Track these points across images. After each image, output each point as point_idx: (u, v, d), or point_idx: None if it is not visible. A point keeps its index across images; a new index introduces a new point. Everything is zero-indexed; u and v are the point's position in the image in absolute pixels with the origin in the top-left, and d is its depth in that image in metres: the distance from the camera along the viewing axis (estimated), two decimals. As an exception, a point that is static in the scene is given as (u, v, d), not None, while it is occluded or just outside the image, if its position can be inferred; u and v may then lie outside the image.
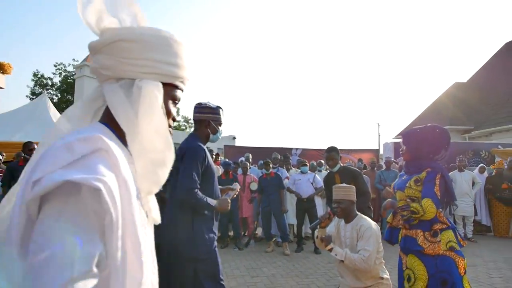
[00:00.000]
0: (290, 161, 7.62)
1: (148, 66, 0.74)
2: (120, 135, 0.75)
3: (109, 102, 0.74)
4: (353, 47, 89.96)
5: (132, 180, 0.69)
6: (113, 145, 0.67)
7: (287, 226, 6.06)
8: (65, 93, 34.46)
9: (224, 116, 2.40)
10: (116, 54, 0.73)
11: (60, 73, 34.60)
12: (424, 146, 2.22)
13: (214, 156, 6.67)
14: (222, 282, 2.21)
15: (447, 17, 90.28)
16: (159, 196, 1.00)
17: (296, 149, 10.47)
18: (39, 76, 34.07)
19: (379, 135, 29.89)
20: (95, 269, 0.58)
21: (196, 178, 2.11)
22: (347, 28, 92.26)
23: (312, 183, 6.01)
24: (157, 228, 0.87)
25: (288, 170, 7.07)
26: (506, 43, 23.29)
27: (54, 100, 32.72)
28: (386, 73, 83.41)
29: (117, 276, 0.62)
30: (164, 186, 0.84)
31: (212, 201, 2.16)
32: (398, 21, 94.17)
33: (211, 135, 2.33)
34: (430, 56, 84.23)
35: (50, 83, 34.71)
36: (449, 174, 6.93)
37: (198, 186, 2.12)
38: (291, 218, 6.42)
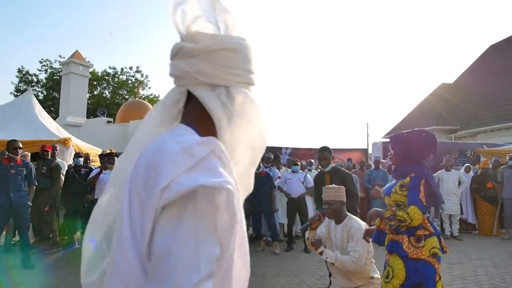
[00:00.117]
0: (281, 160, 7.62)
1: (241, 75, 0.77)
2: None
3: (209, 107, 0.74)
4: (343, 48, 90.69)
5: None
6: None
7: (277, 225, 6.06)
8: (51, 90, 33.75)
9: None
10: (217, 62, 0.75)
11: (46, 70, 33.87)
12: (411, 150, 2.24)
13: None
14: None
15: (435, 19, 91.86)
16: None
17: (286, 148, 10.48)
18: (24, 72, 33.22)
19: (367, 135, 30.21)
20: (215, 272, 0.60)
21: None
22: (337, 29, 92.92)
23: (303, 183, 6.02)
24: None
25: (278, 169, 7.07)
26: (491, 45, 23.84)
27: (40, 97, 31.99)
28: (375, 73, 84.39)
29: (228, 277, 0.63)
30: None
31: None
32: (388, 23, 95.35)
33: None
34: (418, 57, 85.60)
35: (35, 79, 33.91)
36: (436, 173, 7.12)
37: None
38: (281, 217, 6.42)
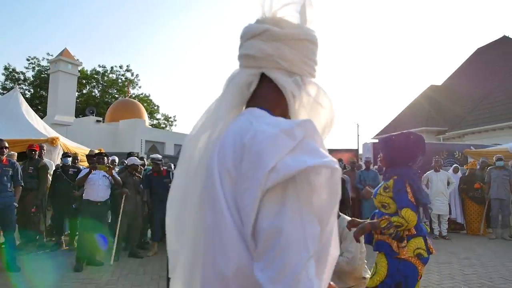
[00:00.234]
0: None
1: (312, 66, 0.80)
2: None
3: (289, 93, 0.76)
4: (334, 49, 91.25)
5: None
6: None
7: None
8: (38, 88, 33.11)
9: None
10: (299, 51, 0.77)
11: (33, 68, 33.23)
12: (400, 153, 2.25)
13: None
14: None
15: (425, 23, 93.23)
16: None
17: (278, 148, 10.48)
18: (10, 70, 32.52)
19: (358, 135, 30.51)
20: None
21: None
22: (329, 30, 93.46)
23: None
24: None
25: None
26: (478, 48, 24.31)
27: (27, 96, 31.36)
28: (365, 75, 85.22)
29: (324, 254, 0.65)
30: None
31: None
32: (379, 25, 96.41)
33: None
34: (408, 59, 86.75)
35: (22, 77, 33.24)
36: (425, 174, 7.20)
37: None
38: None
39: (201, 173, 0.77)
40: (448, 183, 7.17)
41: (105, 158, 5.11)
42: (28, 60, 32.87)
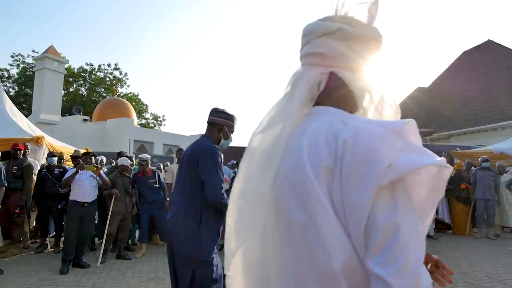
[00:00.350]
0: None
1: (365, 64, 0.81)
2: None
3: (361, 92, 0.78)
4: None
5: None
6: None
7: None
8: (23, 86, 32.36)
9: (236, 126, 2.44)
10: (368, 50, 0.79)
11: (18, 65, 32.47)
12: None
13: (184, 155, 6.50)
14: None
15: (412, 26, 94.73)
16: None
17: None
18: (-7, 67, 31.68)
19: (347, 136, 30.71)
20: None
21: (222, 178, 2.20)
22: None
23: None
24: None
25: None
26: (463, 52, 24.83)
27: (11, 94, 30.59)
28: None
29: None
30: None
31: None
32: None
33: (222, 140, 2.36)
34: (395, 61, 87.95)
35: (6, 75, 32.41)
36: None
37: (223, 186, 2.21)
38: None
39: (270, 167, 0.75)
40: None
41: (93, 158, 5.01)
42: (12, 57, 32.18)
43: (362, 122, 0.67)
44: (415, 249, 0.59)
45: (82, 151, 6.34)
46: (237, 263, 0.83)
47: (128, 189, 5.32)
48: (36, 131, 7.04)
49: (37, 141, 6.35)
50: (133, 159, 6.72)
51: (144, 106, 40.50)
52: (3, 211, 4.93)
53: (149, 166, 5.85)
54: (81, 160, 5.23)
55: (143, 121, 39.68)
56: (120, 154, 6.05)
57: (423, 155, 0.63)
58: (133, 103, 34.26)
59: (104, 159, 7.07)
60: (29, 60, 31.76)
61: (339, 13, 0.80)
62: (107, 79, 37.68)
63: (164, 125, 41.95)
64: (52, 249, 5.53)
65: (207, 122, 2.40)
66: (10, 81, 32.57)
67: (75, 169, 4.73)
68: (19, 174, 5.24)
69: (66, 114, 28.33)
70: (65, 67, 28.60)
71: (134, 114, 27.51)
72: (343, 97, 0.80)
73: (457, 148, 10.56)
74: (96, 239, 5.85)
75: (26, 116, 12.58)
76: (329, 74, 0.79)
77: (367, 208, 0.60)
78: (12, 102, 7.49)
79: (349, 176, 0.63)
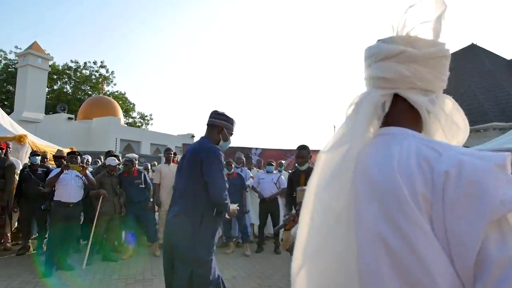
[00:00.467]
0: (252, 161, 7.58)
1: (445, 81, 0.81)
2: None
3: (427, 113, 0.78)
4: (312, 52, 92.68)
5: None
6: None
7: (248, 227, 6.00)
8: (4, 83, 31.43)
9: (235, 129, 2.53)
10: (436, 69, 0.78)
11: (0, 61, 31.52)
12: None
13: (172, 155, 6.41)
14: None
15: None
16: None
17: (256, 148, 10.46)
18: (-27, 63, 30.67)
19: (334, 137, 31.05)
20: None
21: (225, 179, 2.27)
22: (304, 32, 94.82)
23: (275, 183, 6.01)
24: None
25: (250, 169, 7.02)
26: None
27: (-8, 90, 29.69)
28: (342, 77, 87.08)
29: None
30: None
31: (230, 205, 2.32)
32: (355, 29, 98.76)
33: (221, 142, 2.42)
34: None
35: (-14, 71, 31.43)
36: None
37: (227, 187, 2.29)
38: (252, 218, 6.37)
39: (340, 186, 0.74)
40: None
41: (78, 157, 4.88)
42: (-7, 53, 31.13)
43: (460, 154, 0.67)
44: None
45: (67, 150, 6.18)
46: (301, 284, 0.80)
47: (116, 189, 5.21)
48: (18, 130, 6.84)
49: (20, 139, 6.16)
50: (120, 158, 6.59)
51: (131, 105, 39.94)
52: (-17, 212, 4.76)
53: (136, 166, 5.75)
54: (64, 160, 5.11)
55: (130, 120, 39.12)
56: (109, 154, 5.90)
57: None
58: (120, 102, 33.75)
59: (90, 159, 6.92)
60: (12, 57, 30.93)
61: (400, 33, 0.79)
62: (93, 77, 37.00)
63: (152, 124, 41.51)
64: (35, 251, 5.37)
65: (207, 124, 2.45)
66: (-9, 77, 31.63)
67: (60, 168, 4.61)
68: (0, 174, 5.07)
69: (50, 112, 27.65)
70: (49, 64, 27.91)
71: (120, 113, 27.10)
72: (411, 118, 0.80)
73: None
74: (81, 240, 5.72)
75: (8, 114, 12.22)
76: (393, 95, 0.79)
77: (478, 241, 0.61)
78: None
79: (454, 208, 0.63)
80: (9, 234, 5.58)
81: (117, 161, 5.34)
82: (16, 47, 30.52)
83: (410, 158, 0.69)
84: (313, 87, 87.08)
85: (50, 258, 4.37)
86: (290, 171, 8.12)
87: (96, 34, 67.33)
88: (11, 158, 5.52)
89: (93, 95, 32.98)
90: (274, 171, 6.35)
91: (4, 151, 5.26)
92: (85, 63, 36.17)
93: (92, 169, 6.12)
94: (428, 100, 0.78)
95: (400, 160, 0.70)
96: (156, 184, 6.07)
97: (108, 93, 36.41)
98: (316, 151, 9.88)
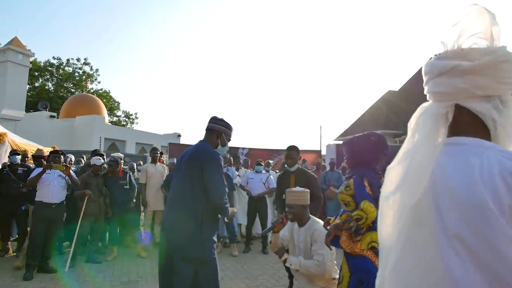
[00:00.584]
0: (240, 160, 7.55)
1: (511, 83, 0.80)
2: None
3: (489, 119, 0.79)
4: (298, 53, 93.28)
5: None
6: None
7: (236, 227, 5.97)
8: (-17, 79, 30.29)
9: (233, 135, 2.62)
10: (494, 75, 0.78)
11: (-23, 57, 30.36)
12: (362, 154, 2.28)
13: (158, 154, 6.31)
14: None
15: (383, 33, 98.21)
16: None
17: (243, 148, 10.43)
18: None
19: (321, 137, 31.40)
20: None
21: (225, 182, 2.34)
22: (291, 32, 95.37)
23: (264, 183, 6.00)
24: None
25: (237, 169, 6.99)
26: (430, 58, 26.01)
27: (-31, 87, 28.56)
28: (328, 77, 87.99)
29: None
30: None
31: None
32: (342, 32, 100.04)
33: (219, 146, 2.50)
34: (368, 65, 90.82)
35: (-37, 67, 30.21)
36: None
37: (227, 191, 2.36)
38: (240, 217, 6.34)
39: (414, 194, 0.77)
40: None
41: (62, 156, 4.74)
42: (-29, 48, 29.97)
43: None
44: None
45: (48, 149, 6.00)
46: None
47: (102, 189, 5.08)
48: (-3, 128, 6.60)
49: (-1, 138, 5.95)
50: (105, 157, 6.44)
51: (116, 103, 39.22)
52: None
53: (121, 166, 5.63)
54: (44, 160, 4.95)
55: (115, 118, 38.42)
56: (95, 153, 5.75)
57: None
58: (104, 100, 33.08)
59: (73, 158, 6.75)
60: (-10, 52, 29.79)
61: (452, 48, 0.82)
62: (76, 74, 36.13)
63: (137, 123, 40.89)
64: (15, 254, 5.19)
65: (206, 129, 2.53)
66: (-32, 73, 30.43)
67: (42, 168, 4.46)
68: (-22, 174, 4.87)
69: (31, 110, 26.86)
70: (30, 60, 27.07)
71: (105, 111, 26.59)
72: (476, 125, 0.81)
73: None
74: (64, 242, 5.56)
75: (-14, 111, 11.78)
76: (454, 106, 0.82)
77: None
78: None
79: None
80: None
81: (102, 160, 5.21)
82: (-5, 42, 29.41)
83: (492, 170, 0.71)
84: (299, 87, 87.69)
85: (31, 260, 4.23)
86: (277, 171, 8.17)
87: (80, 30, 65.81)
88: (-10, 157, 5.31)
89: (76, 93, 32.22)
90: (263, 171, 6.34)
91: (-18, 150, 5.06)
92: (68, 60, 35.29)
93: (75, 169, 5.96)
94: (492, 106, 0.79)
95: (482, 172, 0.72)
96: (142, 184, 5.96)
97: (92, 91, 35.64)
98: (305, 152, 9.92)
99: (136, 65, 72.61)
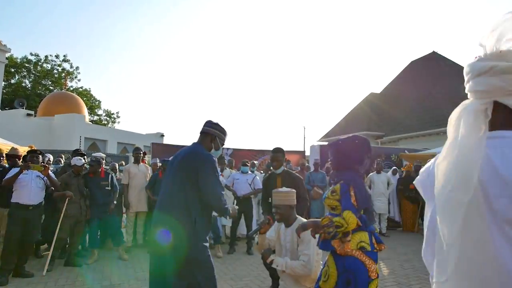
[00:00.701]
0: (225, 161, 7.50)
1: None
2: None
3: None
4: (281, 54, 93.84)
5: None
6: None
7: (220, 228, 5.92)
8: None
9: (226, 140, 2.68)
10: None
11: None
12: (346, 157, 2.30)
13: (141, 154, 6.20)
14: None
15: (366, 37, 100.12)
16: None
17: (227, 149, 10.39)
18: None
19: (304, 137, 31.68)
20: None
21: (221, 184, 2.38)
22: (275, 33, 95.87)
23: (250, 184, 5.97)
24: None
25: (222, 170, 6.95)
26: (411, 62, 26.72)
27: None
28: (311, 78, 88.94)
29: None
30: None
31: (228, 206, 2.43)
32: (326, 35, 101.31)
33: (212, 150, 2.53)
34: (351, 67, 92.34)
35: None
36: (369, 175, 7.67)
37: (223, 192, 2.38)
38: (224, 219, 6.30)
39: (465, 186, 0.83)
40: (388, 184, 7.71)
41: (40, 156, 4.57)
42: None
43: None
44: None
45: (25, 148, 5.77)
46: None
47: (83, 191, 4.92)
48: (-30, 126, 6.30)
49: (-28, 136, 5.68)
50: (86, 157, 6.26)
51: (97, 102, 38.30)
52: None
53: (103, 166, 5.48)
54: (19, 159, 4.76)
55: (95, 117, 37.50)
56: (76, 152, 5.57)
57: None
58: (84, 98, 32.24)
59: (51, 158, 6.52)
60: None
61: (491, 50, 0.90)
62: (55, 71, 35.05)
63: (119, 122, 40.04)
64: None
65: (201, 132, 2.57)
66: None
67: (19, 168, 4.29)
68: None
69: (7, 108, 25.88)
70: (6, 56, 26.00)
71: (85, 110, 25.88)
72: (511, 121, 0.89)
73: (406, 151, 11.26)
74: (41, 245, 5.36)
75: (-42, 108, 11.26)
76: (492, 102, 0.90)
77: None
78: None
79: None
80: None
81: (83, 160, 5.06)
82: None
83: None
84: (283, 88, 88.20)
85: (6, 264, 4.06)
86: (262, 172, 8.17)
87: (60, 26, 63.85)
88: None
89: (55, 91, 31.25)
90: (249, 172, 6.32)
91: (-47, 149, 4.81)
92: (46, 56, 34.15)
93: (53, 169, 5.76)
94: None
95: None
96: (124, 185, 5.83)
97: (71, 89, 34.67)
98: (289, 152, 9.92)
99: (118, 64, 71.17)
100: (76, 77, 36.37)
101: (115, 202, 5.50)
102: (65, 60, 35.10)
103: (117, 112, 40.54)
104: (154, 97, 74.24)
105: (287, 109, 78.80)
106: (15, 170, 4.31)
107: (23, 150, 5.44)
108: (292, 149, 12.66)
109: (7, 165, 5.20)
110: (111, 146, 22.42)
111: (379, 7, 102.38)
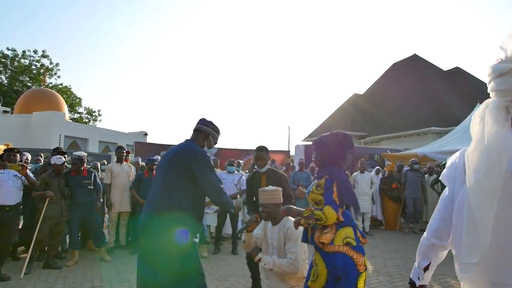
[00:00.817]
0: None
1: None
2: None
3: None
4: (266, 54, 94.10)
5: None
6: None
7: (205, 227, 5.87)
8: None
9: (220, 139, 2.68)
10: None
11: None
12: (328, 152, 2.31)
13: (124, 153, 6.06)
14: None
15: (349, 38, 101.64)
16: None
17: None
18: None
19: (289, 137, 31.87)
20: None
21: (219, 179, 2.39)
22: (260, 33, 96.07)
23: (236, 185, 5.94)
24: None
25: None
26: (393, 64, 27.29)
27: None
28: (296, 79, 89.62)
29: None
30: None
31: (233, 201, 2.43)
32: (310, 35, 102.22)
33: (205, 148, 2.53)
34: (335, 68, 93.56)
35: None
36: (352, 175, 7.79)
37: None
38: (209, 219, 6.25)
39: (495, 174, 0.94)
40: (371, 184, 7.85)
41: (17, 155, 4.40)
42: None
43: None
44: None
45: (1, 147, 5.55)
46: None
47: (64, 190, 4.76)
48: None
49: None
50: (66, 156, 6.07)
51: (77, 99, 37.30)
52: None
53: (85, 164, 5.33)
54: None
55: (76, 115, 36.53)
56: (56, 151, 5.38)
57: None
58: (64, 96, 31.33)
59: (30, 157, 6.30)
60: None
61: (510, 54, 1.00)
62: (33, 67, 33.91)
63: (100, 120, 39.14)
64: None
65: (195, 129, 2.57)
66: None
67: (-5, 167, 4.12)
68: None
69: (-19, 105, 24.79)
70: (-19, 50, 25.03)
71: (65, 107, 25.15)
72: None
73: (388, 151, 11.49)
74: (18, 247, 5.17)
75: None
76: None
77: None
78: None
79: None
80: None
81: (63, 159, 4.89)
82: None
83: None
84: (268, 87, 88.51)
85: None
86: (247, 171, 8.14)
87: (39, 20, 61.81)
88: None
89: (33, 87, 30.24)
90: (236, 172, 6.28)
91: None
92: (23, 51, 33.01)
93: (32, 168, 5.57)
94: None
95: None
96: (106, 184, 5.69)
97: (50, 85, 33.64)
98: (274, 152, 9.95)
99: (100, 61, 69.52)
100: (55, 73, 35.36)
101: (101, 200, 5.36)
102: (44, 56, 34.05)
103: (99, 110, 39.64)
104: (138, 95, 73.06)
105: (272, 109, 79.14)
106: (-9, 170, 4.13)
107: (-1, 148, 5.22)
108: (277, 149, 12.71)
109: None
110: (92, 144, 21.89)
111: (362, 11, 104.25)
